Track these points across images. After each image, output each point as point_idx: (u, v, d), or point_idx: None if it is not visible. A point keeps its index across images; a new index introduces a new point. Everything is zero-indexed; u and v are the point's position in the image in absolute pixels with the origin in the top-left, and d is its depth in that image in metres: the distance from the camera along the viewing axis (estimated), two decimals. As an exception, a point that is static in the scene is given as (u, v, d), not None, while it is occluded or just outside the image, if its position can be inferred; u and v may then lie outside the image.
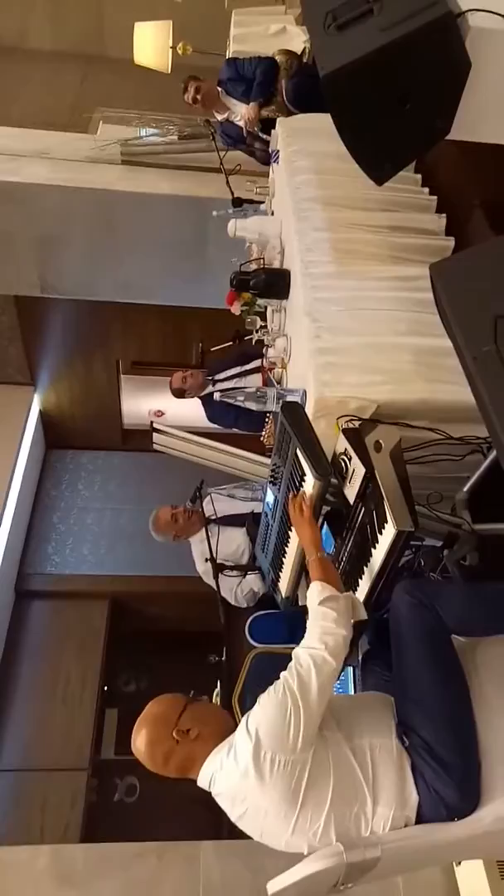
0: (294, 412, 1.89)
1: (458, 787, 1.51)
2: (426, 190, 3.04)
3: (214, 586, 2.81)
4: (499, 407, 1.15)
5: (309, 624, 1.60)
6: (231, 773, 1.49)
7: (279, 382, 2.60)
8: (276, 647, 3.01)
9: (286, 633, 3.53)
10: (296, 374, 2.48)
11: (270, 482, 2.10)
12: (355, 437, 1.79)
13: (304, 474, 1.85)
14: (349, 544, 1.95)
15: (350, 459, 1.79)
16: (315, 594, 1.63)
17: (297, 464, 1.87)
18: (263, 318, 3.10)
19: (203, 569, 3.36)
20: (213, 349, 3.89)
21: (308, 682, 1.49)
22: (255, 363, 4.14)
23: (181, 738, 1.55)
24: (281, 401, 1.99)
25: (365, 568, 1.84)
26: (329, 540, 2.06)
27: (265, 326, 3.04)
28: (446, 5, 1.63)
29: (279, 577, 2.30)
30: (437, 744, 1.54)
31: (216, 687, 3.72)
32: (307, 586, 1.85)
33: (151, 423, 2.55)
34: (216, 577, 2.75)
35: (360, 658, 2.18)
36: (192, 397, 4.04)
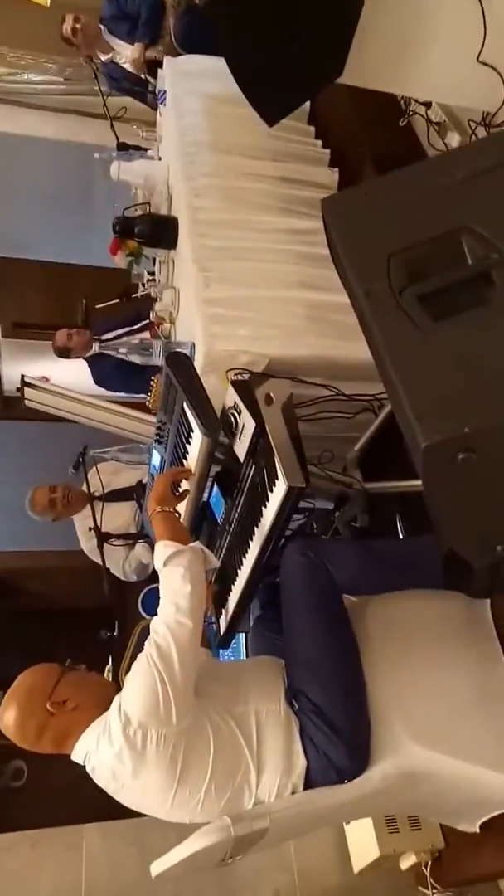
0: (180, 363, 1.75)
1: (349, 749, 1.46)
2: (319, 143, 2.95)
3: (100, 559, 2.64)
4: (391, 345, 1.07)
5: (160, 588, 1.49)
6: (105, 753, 1.39)
7: (167, 338, 2.44)
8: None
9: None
10: (184, 328, 2.33)
11: (156, 441, 1.96)
12: (245, 390, 1.67)
13: (191, 430, 1.72)
14: (240, 504, 1.85)
15: (239, 414, 1.68)
16: (159, 556, 1.51)
17: (185, 420, 1.74)
18: (152, 273, 2.91)
19: (89, 546, 3.18)
20: (98, 306, 3.65)
21: (168, 651, 1.39)
22: (145, 322, 3.95)
23: (57, 710, 1.45)
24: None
25: (256, 529, 1.75)
26: (220, 502, 1.95)
27: (153, 280, 2.86)
28: None
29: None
30: (326, 705, 1.49)
31: (108, 663, 3.65)
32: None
33: (22, 376, 2.33)
34: (100, 548, 2.58)
35: (251, 623, 2.10)
36: (78, 357, 3.81)
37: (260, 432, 1.63)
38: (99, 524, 2.59)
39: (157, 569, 1.52)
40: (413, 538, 1.76)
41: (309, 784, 1.47)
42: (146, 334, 3.92)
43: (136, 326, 3.98)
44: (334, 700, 1.49)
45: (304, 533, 1.92)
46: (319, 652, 1.55)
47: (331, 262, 2.40)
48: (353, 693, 1.52)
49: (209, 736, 1.42)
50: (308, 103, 3.07)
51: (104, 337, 4.01)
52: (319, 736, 1.47)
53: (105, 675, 3.57)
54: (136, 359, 2.17)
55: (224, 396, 1.81)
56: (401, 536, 2.25)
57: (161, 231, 2.55)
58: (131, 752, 1.35)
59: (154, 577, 3.42)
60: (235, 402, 1.69)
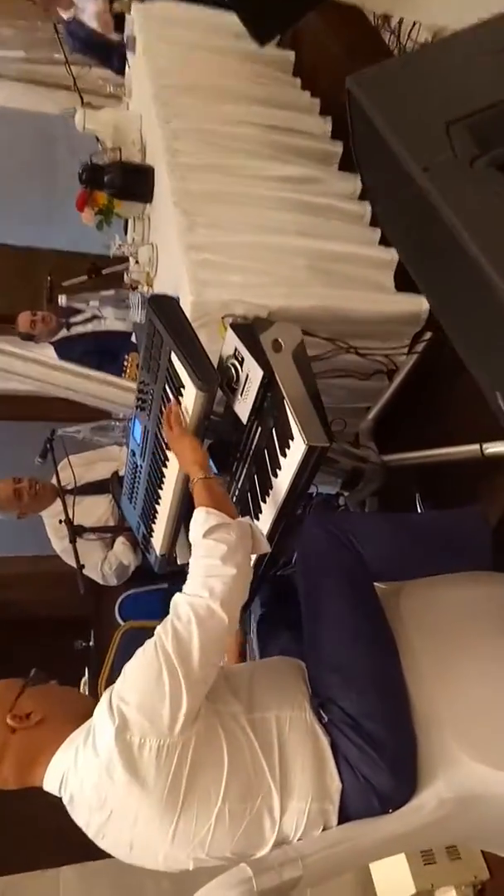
0: (165, 305, 1.44)
1: (392, 769, 1.17)
2: (307, 93, 2.68)
3: (73, 557, 2.30)
4: (470, 220, 0.79)
5: (191, 563, 1.19)
6: (89, 768, 1.08)
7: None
8: (149, 622, 2.57)
9: (161, 609, 3.12)
10: (166, 285, 2.03)
11: (138, 408, 1.65)
12: (248, 334, 1.38)
13: (181, 386, 1.41)
14: (241, 478, 1.54)
15: (241, 363, 1.38)
16: (199, 524, 1.22)
17: (173, 374, 1.43)
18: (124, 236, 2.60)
19: (61, 546, 2.84)
20: (65, 284, 3.32)
21: (188, 640, 1.10)
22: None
23: (18, 725, 1.14)
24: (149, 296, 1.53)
25: (262, 505, 1.45)
26: (213, 478, 1.64)
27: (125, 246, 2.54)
28: None
29: (152, 530, 1.85)
30: (363, 717, 1.20)
31: (84, 675, 3.31)
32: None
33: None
34: (73, 542, 2.25)
35: (254, 626, 1.79)
36: (43, 343, 3.47)
37: (268, 384, 1.33)
38: (71, 516, 2.26)
39: (191, 539, 1.22)
40: (452, 510, 1.49)
41: (344, 813, 1.17)
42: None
43: (107, 307, 3.68)
44: (373, 709, 1.20)
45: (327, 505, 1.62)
46: (351, 651, 1.25)
47: (331, 213, 2.14)
48: (396, 700, 1.23)
49: (222, 746, 1.11)
50: (293, 54, 2.81)
51: (73, 319, 3.70)
52: (356, 754, 1.17)
53: (81, 688, 3.27)
54: (109, 313, 1.86)
55: (220, 349, 1.51)
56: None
57: (134, 181, 2.25)
58: (125, 763, 1.04)
59: (134, 579, 3.15)
60: (236, 350, 1.39)
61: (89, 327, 3.69)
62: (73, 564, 2.30)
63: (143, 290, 2.10)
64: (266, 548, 1.25)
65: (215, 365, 1.44)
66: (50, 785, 1.14)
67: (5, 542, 5.02)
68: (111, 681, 2.34)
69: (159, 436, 1.58)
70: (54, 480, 2.66)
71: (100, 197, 2.45)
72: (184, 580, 1.20)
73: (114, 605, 3.32)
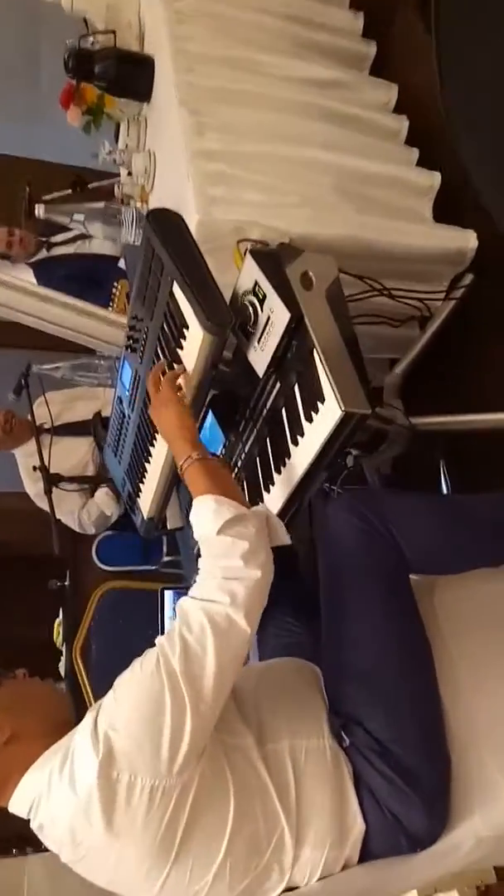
0: (168, 222, 1.15)
1: (427, 805, 0.98)
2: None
3: (47, 506, 2.06)
4: None
5: (203, 564, 0.96)
6: (63, 804, 0.88)
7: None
8: (132, 582, 2.36)
9: (140, 554, 2.94)
10: (166, 201, 1.71)
11: (128, 348, 1.37)
12: (272, 264, 1.10)
13: (184, 326, 1.14)
14: (248, 441, 1.29)
15: (262, 301, 1.11)
16: (208, 517, 0.98)
17: (174, 309, 1.15)
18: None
19: (34, 490, 2.59)
20: (46, 198, 2.94)
21: (201, 657, 0.89)
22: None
23: None
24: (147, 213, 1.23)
25: (275, 476, 1.21)
26: (216, 437, 1.39)
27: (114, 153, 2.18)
28: None
29: (139, 490, 1.61)
30: (394, 742, 1.00)
31: (58, 616, 3.14)
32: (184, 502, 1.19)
33: None
34: (48, 493, 2.00)
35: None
36: (20, 265, 3.13)
37: (295, 329, 1.06)
38: (47, 463, 2.00)
39: (199, 536, 1.00)
40: (494, 493, 1.26)
41: (366, 854, 0.98)
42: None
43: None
44: (406, 733, 1.00)
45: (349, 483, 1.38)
46: (382, 663, 1.03)
47: (363, 125, 1.81)
48: (432, 721, 1.03)
49: (228, 789, 0.92)
50: None
51: (54, 239, 3.34)
52: (384, 787, 0.98)
53: (55, 630, 3.11)
54: (97, 230, 1.55)
55: (233, 282, 1.22)
56: (444, 491, 1.74)
57: (130, 73, 1.88)
58: (107, 805, 0.84)
59: (117, 526, 2.92)
60: (256, 284, 1.11)
61: (72, 249, 3.35)
62: (48, 510, 2.06)
63: (138, 206, 1.78)
64: (285, 539, 1.01)
65: (227, 302, 1.16)
66: (17, 808, 0.94)
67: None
68: (86, 648, 2.08)
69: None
70: (31, 418, 2.38)
71: (89, 92, 2.08)
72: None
73: (91, 544, 3.13)
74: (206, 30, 1.81)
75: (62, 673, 2.97)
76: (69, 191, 2.99)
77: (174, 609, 2.07)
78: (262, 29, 1.92)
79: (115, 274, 2.71)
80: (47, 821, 0.91)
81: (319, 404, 1.03)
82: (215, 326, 1.07)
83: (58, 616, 3.13)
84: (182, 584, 2.13)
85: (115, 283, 2.61)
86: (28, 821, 0.93)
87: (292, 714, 1.02)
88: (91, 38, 1.92)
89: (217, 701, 0.90)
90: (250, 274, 1.11)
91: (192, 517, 1.03)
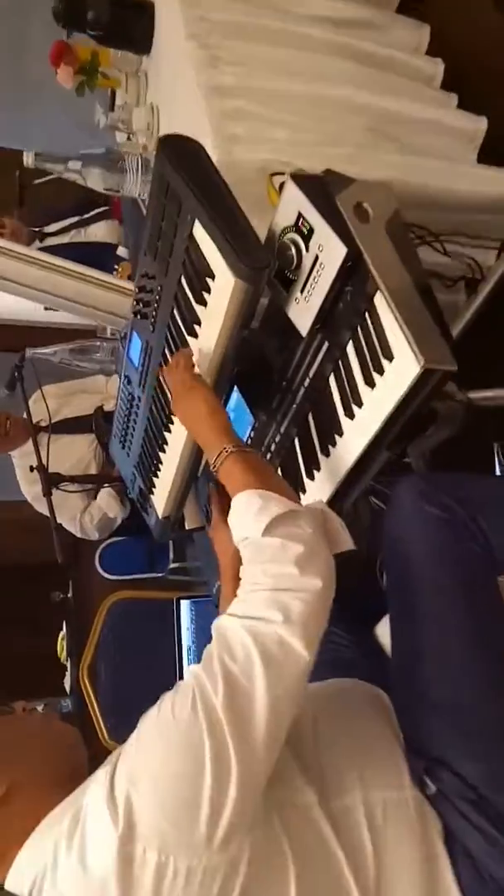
0: (185, 150, 0.93)
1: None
2: None
3: (47, 509, 1.84)
4: None
5: (246, 574, 0.74)
6: (73, 887, 0.65)
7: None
8: (143, 592, 2.13)
9: (145, 560, 2.73)
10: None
11: (137, 315, 1.15)
12: (319, 191, 0.88)
13: (208, 275, 0.92)
14: (284, 422, 1.07)
15: (307, 237, 0.88)
16: (250, 516, 0.77)
17: (195, 255, 0.93)
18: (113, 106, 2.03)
19: (33, 493, 2.38)
20: (37, 182, 2.74)
21: (250, 694, 0.68)
22: (101, 209, 3.07)
23: None
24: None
25: (321, 461, 0.99)
26: (242, 418, 1.17)
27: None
28: None
29: (152, 485, 1.38)
30: (493, 787, 0.78)
31: (61, 629, 2.94)
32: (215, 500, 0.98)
33: None
34: (48, 494, 1.78)
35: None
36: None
37: (351, 269, 0.84)
38: (45, 462, 1.78)
39: (241, 539, 0.79)
40: None
41: None
42: (102, 224, 3.07)
43: (88, 215, 3.12)
44: (509, 776, 0.78)
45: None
46: (478, 691, 0.81)
47: (395, 67, 1.60)
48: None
49: (287, 865, 0.69)
50: None
51: (47, 229, 3.14)
52: (483, 847, 0.76)
53: (59, 644, 2.89)
54: (96, 179, 1.32)
55: (264, 230, 1.01)
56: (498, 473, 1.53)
57: (128, 19, 1.67)
58: (129, 894, 0.62)
59: (121, 531, 2.70)
60: (300, 217, 0.89)
61: (67, 239, 3.15)
62: (48, 515, 1.85)
63: (142, 154, 1.56)
64: (348, 542, 0.79)
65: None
66: (15, 887, 0.71)
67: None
68: (94, 668, 1.82)
69: (168, 356, 1.10)
70: (27, 416, 2.16)
71: (81, 50, 1.87)
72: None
73: (93, 551, 2.94)
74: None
75: (67, 689, 2.77)
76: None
77: (192, 620, 1.86)
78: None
79: (114, 261, 2.50)
80: None
81: (386, 363, 0.82)
82: (249, 270, 0.85)
83: (61, 629, 2.93)
84: (201, 595, 1.91)
85: (117, 266, 2.40)
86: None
87: (363, 757, 0.80)
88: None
89: (270, 751, 0.68)
90: (292, 205, 0.89)
91: (231, 517, 0.81)
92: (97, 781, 0.68)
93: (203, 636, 2.00)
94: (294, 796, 0.74)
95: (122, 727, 2.09)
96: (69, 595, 3.13)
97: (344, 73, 1.46)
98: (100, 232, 3.00)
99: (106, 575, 2.88)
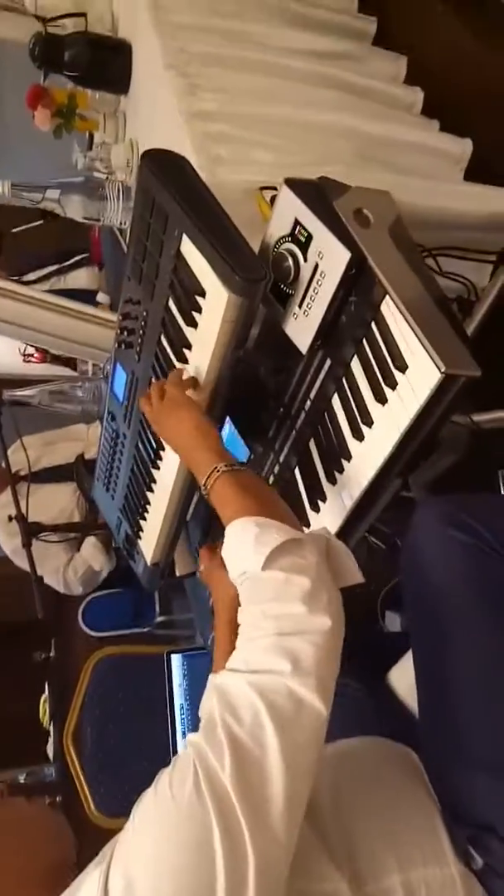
0: (170, 165, 0.87)
1: None
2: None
3: (27, 563, 1.72)
4: None
5: (244, 617, 0.64)
6: None
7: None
8: (131, 647, 2.00)
9: (131, 614, 2.59)
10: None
11: (120, 345, 1.08)
12: (316, 196, 0.81)
13: (198, 292, 0.84)
14: (283, 451, 0.99)
15: (305, 245, 0.82)
16: (246, 547, 0.67)
17: (184, 273, 0.86)
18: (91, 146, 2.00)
19: (12, 546, 2.25)
20: (15, 230, 2.71)
21: (261, 764, 0.56)
22: (79, 257, 3.04)
23: None
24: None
25: (326, 489, 0.90)
26: (236, 451, 1.08)
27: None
28: None
29: (139, 529, 1.28)
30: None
31: (44, 693, 2.67)
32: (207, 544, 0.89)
33: None
34: (27, 545, 1.67)
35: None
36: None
37: (356, 275, 0.77)
38: (24, 510, 1.68)
39: (238, 575, 0.69)
40: None
41: None
42: (83, 272, 3.04)
43: (67, 263, 3.09)
44: None
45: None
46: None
47: (376, 96, 1.59)
48: None
49: None
50: None
51: (26, 278, 3.10)
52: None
53: (42, 707, 2.73)
54: (75, 207, 1.27)
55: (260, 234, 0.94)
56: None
57: (105, 60, 1.65)
58: None
59: (106, 585, 2.57)
60: (297, 224, 0.82)
61: (47, 287, 3.10)
62: (27, 569, 1.73)
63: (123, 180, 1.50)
64: (356, 575, 0.70)
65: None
66: None
67: None
68: (79, 730, 1.72)
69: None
70: (5, 465, 2.06)
71: (58, 93, 1.84)
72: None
73: (76, 609, 2.79)
74: (188, 2, 1.59)
75: (50, 755, 2.58)
76: (40, 221, 2.75)
77: (184, 675, 1.72)
78: (253, 4, 1.70)
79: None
80: None
81: (398, 374, 0.74)
82: (243, 282, 0.78)
83: (44, 691, 2.76)
84: (192, 647, 1.78)
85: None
86: None
87: (397, 830, 0.69)
88: (58, 23, 1.69)
89: (291, 831, 0.56)
90: (287, 212, 0.83)
91: (224, 550, 0.71)
92: (90, 882, 0.56)
93: (197, 693, 1.87)
94: (320, 886, 0.62)
95: (110, 797, 1.93)
96: (51, 654, 2.97)
97: (328, 100, 1.44)
98: (79, 279, 2.97)
99: (90, 632, 2.74)
